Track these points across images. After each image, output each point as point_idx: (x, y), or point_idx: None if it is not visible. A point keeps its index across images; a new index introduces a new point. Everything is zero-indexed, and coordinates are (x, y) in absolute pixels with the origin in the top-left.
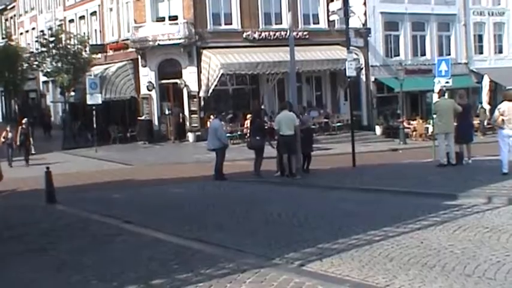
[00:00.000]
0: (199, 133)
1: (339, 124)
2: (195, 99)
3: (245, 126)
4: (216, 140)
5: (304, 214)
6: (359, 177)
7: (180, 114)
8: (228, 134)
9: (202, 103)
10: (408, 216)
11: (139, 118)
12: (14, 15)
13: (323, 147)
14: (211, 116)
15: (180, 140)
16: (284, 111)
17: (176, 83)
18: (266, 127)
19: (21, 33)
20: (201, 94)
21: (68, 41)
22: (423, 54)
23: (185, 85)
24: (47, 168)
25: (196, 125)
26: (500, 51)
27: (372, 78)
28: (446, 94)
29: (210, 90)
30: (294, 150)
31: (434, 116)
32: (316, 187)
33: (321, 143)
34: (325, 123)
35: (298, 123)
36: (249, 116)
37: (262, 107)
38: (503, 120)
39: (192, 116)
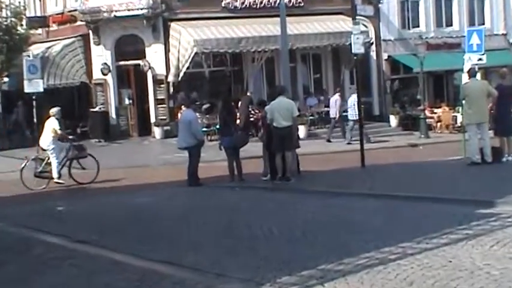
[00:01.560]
0: (167, 128)
1: (343, 114)
2: (162, 85)
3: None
4: (190, 136)
5: (301, 227)
6: (369, 180)
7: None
8: (204, 129)
9: (171, 90)
10: (432, 229)
11: (92, 110)
12: None
13: (323, 144)
14: (183, 107)
15: (144, 136)
16: (279, 98)
17: (138, 64)
18: (252, 118)
19: None
20: (170, 79)
21: None
22: (449, 24)
23: (149, 67)
24: None
25: (164, 117)
26: None
27: (385, 56)
28: (478, 74)
29: (181, 74)
30: (290, 146)
31: (464, 102)
32: (315, 193)
33: (321, 138)
34: (327, 113)
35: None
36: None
37: (248, 93)
38: None
39: (159, 106)
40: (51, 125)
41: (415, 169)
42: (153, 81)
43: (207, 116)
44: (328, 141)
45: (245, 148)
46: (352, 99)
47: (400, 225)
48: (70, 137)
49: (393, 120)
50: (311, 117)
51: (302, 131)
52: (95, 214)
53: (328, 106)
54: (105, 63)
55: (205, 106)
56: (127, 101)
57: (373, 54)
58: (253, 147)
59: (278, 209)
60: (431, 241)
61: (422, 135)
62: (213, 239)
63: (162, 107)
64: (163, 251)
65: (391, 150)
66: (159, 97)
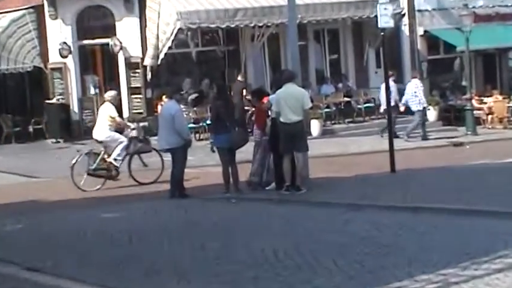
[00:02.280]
0: (144, 124)
1: (367, 105)
2: (137, 71)
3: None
4: (173, 134)
5: (315, 250)
6: (401, 189)
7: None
8: (191, 125)
9: (149, 76)
10: (482, 251)
11: (47, 102)
12: None
13: (343, 143)
14: (164, 97)
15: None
16: (287, 86)
17: (107, 44)
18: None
19: None
20: (147, 62)
21: None
22: None
23: (121, 48)
24: None
25: (140, 111)
26: None
27: (420, 31)
28: None
29: (162, 56)
30: (301, 146)
31: None
32: (332, 206)
33: (339, 136)
34: (346, 104)
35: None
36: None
37: (240, 78)
38: None
39: (134, 97)
40: (107, 112)
41: (459, 175)
42: (126, 65)
43: (195, 108)
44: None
45: (242, 149)
46: (413, 86)
47: (441, 246)
48: (132, 126)
49: (431, 113)
50: (327, 110)
51: (316, 127)
52: (50, 235)
53: (348, 95)
54: (64, 43)
55: (192, 96)
56: (93, 91)
57: (405, 28)
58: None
59: (286, 226)
60: (480, 267)
61: (469, 132)
62: (204, 266)
63: (137, 98)
64: (138, 280)
65: (429, 150)
66: (133, 85)
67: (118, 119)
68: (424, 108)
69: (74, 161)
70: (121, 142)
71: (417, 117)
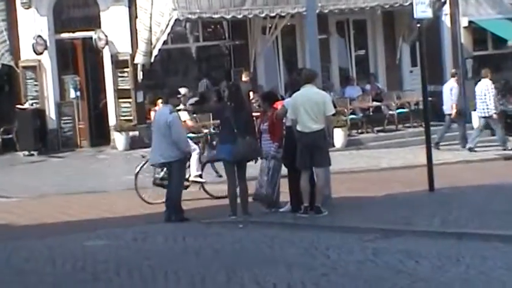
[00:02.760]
0: (134, 133)
1: (401, 111)
2: (126, 70)
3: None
4: (169, 146)
5: (340, 285)
6: (441, 212)
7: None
8: (190, 135)
9: (140, 76)
10: None
11: (19, 107)
12: None
13: (371, 156)
14: (159, 102)
15: (99, 146)
16: (306, 88)
17: (90, 38)
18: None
19: None
20: (138, 59)
21: None
22: None
23: (106, 43)
24: None
25: (129, 117)
26: None
27: (464, 22)
28: None
29: (155, 52)
30: (322, 160)
31: None
32: (359, 232)
33: (368, 148)
34: (375, 109)
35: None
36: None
37: (244, 77)
38: None
39: (122, 101)
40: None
41: (510, 194)
42: (113, 64)
43: (195, 115)
44: (437, 147)
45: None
46: (483, 87)
47: (489, 280)
48: (205, 130)
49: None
50: (352, 117)
51: (339, 137)
52: (21, 266)
53: (378, 99)
54: (39, 37)
55: (191, 100)
56: (73, 94)
57: (446, 19)
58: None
59: (303, 257)
60: None
61: None
62: None
63: (126, 103)
64: None
65: (475, 164)
66: (121, 87)
67: (189, 122)
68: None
69: (137, 169)
70: (193, 150)
71: (482, 124)
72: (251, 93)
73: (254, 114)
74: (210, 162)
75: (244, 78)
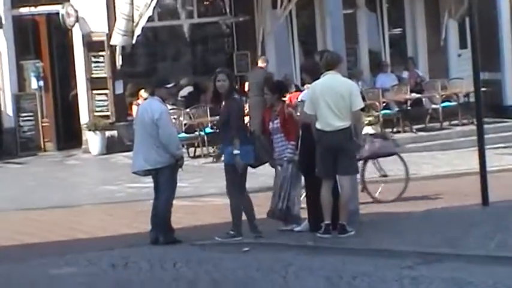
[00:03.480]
0: (112, 133)
1: (447, 104)
2: (101, 54)
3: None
4: (156, 148)
5: None
6: (497, 231)
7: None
8: (182, 134)
9: (119, 62)
10: None
11: None
12: None
13: (409, 161)
14: (142, 93)
15: (68, 150)
16: (328, 75)
17: (56, 14)
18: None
19: None
20: (116, 40)
21: None
22: None
23: (77, 20)
24: None
25: (105, 113)
26: None
27: None
28: None
29: (138, 31)
30: (347, 166)
31: None
32: (394, 255)
33: (404, 151)
34: (415, 102)
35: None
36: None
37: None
38: None
39: (96, 92)
40: None
41: None
42: (85, 46)
43: (189, 110)
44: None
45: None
46: None
47: None
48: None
49: None
50: (386, 111)
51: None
52: None
53: (418, 90)
54: None
55: (183, 91)
56: (35, 84)
57: None
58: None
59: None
60: None
61: None
62: None
63: (101, 95)
64: None
65: None
66: (95, 75)
67: None
68: None
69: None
70: None
71: None
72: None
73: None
74: (375, 158)
75: (261, 63)
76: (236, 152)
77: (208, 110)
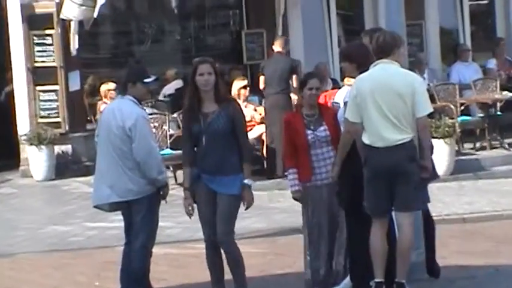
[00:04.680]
0: (64, 148)
1: None
2: (48, 33)
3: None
4: (127, 170)
5: None
6: None
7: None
8: (167, 151)
9: (74, 45)
10: None
11: None
12: None
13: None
14: (109, 91)
15: (1, 172)
16: (380, 65)
17: None
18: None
19: None
20: (70, 13)
21: None
22: None
23: None
24: None
25: (53, 120)
26: None
27: None
28: None
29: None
30: (409, 197)
31: None
32: None
33: (494, 175)
34: (507, 105)
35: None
36: None
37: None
38: None
39: (40, 89)
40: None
41: None
42: (25, 22)
43: (176, 115)
44: None
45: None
46: None
47: None
48: None
49: None
50: (465, 118)
51: (444, 154)
52: None
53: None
54: None
55: (169, 88)
56: None
57: None
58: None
59: None
60: None
61: None
62: None
63: (48, 92)
64: None
65: None
66: (41, 64)
67: None
68: None
69: None
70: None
71: None
72: (294, 76)
73: None
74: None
75: (278, 47)
76: (248, 181)
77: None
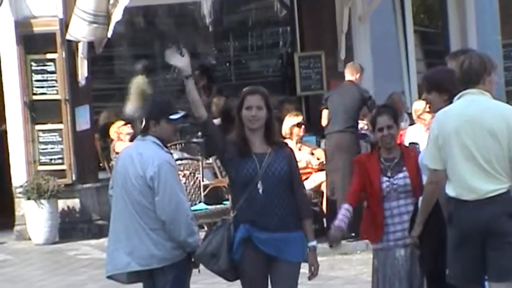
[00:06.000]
0: (70, 203)
1: None
2: (50, 58)
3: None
4: (150, 232)
5: None
6: None
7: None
8: (200, 205)
9: (83, 73)
10: None
11: None
12: None
13: None
14: (121, 125)
15: None
16: (467, 98)
17: None
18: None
19: None
20: (77, 33)
21: None
22: None
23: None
24: None
25: (57, 167)
26: None
27: None
28: None
29: (118, 16)
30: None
31: None
32: None
33: None
34: None
35: None
36: None
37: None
38: None
39: (41, 129)
40: None
41: None
42: (21, 44)
43: (212, 160)
44: None
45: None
46: None
47: None
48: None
49: None
50: None
51: None
52: None
53: None
54: None
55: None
56: None
57: None
58: None
59: None
60: None
61: None
62: None
63: (50, 133)
64: None
65: None
66: (40, 96)
67: None
68: None
69: None
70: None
71: None
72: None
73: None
74: None
75: (349, 75)
76: (312, 244)
77: None
